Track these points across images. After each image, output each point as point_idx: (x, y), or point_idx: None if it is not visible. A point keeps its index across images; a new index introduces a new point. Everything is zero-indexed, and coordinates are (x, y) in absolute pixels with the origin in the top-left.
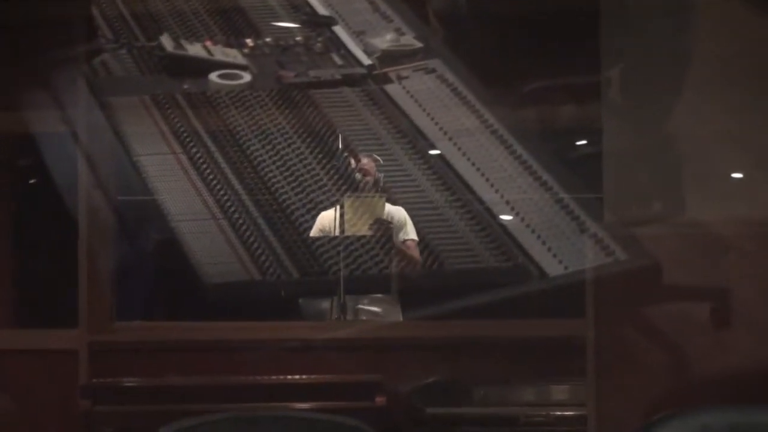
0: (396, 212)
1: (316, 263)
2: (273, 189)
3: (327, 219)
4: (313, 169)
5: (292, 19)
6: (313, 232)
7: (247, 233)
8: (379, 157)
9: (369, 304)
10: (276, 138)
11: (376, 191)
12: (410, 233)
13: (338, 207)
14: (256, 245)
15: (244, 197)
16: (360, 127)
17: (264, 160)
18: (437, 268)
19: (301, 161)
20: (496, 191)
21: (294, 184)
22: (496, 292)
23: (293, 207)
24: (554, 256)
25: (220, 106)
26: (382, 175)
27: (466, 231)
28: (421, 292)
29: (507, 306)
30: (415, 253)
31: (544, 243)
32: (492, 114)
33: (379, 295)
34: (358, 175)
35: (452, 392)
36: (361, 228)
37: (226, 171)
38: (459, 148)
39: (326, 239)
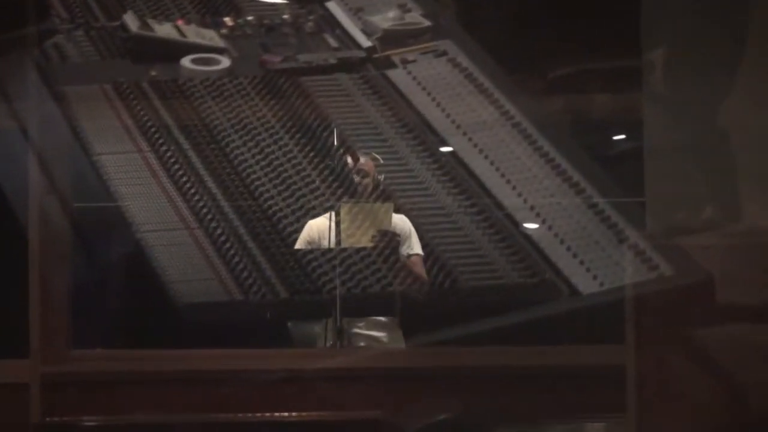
0: (398, 222)
1: (308, 280)
2: (257, 193)
3: (316, 228)
4: (304, 170)
5: None
6: (300, 244)
7: (227, 245)
8: (378, 156)
9: (367, 328)
10: (260, 134)
11: (376, 195)
12: (415, 247)
13: (332, 214)
14: (236, 259)
15: (223, 203)
16: (358, 120)
17: (246, 160)
18: (449, 285)
19: (289, 161)
20: (519, 195)
21: (281, 188)
22: (518, 313)
23: (281, 214)
24: (588, 270)
25: (194, 97)
26: (382, 176)
27: (484, 242)
28: (430, 314)
29: (532, 330)
30: (421, 269)
31: (575, 255)
32: (513, 104)
33: (380, 318)
34: (356, 177)
35: None
36: (361, 239)
37: (201, 172)
38: (475, 145)
39: (319, 252)
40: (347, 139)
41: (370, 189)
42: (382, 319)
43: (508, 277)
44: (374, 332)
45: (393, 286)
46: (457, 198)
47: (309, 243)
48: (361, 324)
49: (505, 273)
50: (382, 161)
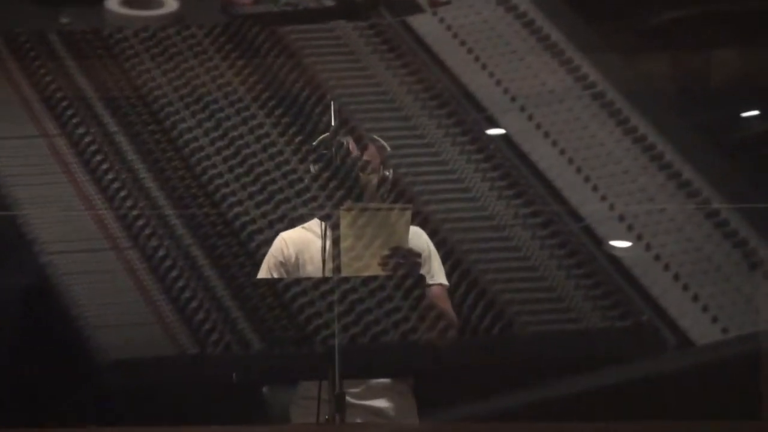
0: (412, 238)
1: (293, 325)
2: (218, 197)
3: (293, 246)
4: (287, 162)
5: None
6: (265, 270)
7: (174, 274)
8: (385, 143)
9: (366, 396)
10: (223, 110)
11: (381, 198)
12: (437, 274)
13: (324, 226)
14: (188, 294)
15: (169, 212)
16: (366, 89)
17: (202, 149)
18: (499, 331)
19: (265, 150)
20: (603, 198)
21: (254, 189)
22: (601, 373)
23: (253, 228)
24: (704, 310)
25: (124, 55)
26: (389, 171)
27: (551, 268)
28: (464, 374)
29: (619, 398)
30: (447, 305)
31: (686, 288)
32: (595, 66)
33: (385, 381)
34: (362, 175)
35: None
36: (370, 263)
37: (136, 166)
38: (537, 125)
39: (309, 284)
40: (350, 118)
41: (373, 188)
42: (390, 383)
43: (586, 320)
44: (377, 402)
45: (418, 334)
46: (511, 203)
47: (282, 266)
48: (356, 390)
49: (583, 314)
50: (389, 150)
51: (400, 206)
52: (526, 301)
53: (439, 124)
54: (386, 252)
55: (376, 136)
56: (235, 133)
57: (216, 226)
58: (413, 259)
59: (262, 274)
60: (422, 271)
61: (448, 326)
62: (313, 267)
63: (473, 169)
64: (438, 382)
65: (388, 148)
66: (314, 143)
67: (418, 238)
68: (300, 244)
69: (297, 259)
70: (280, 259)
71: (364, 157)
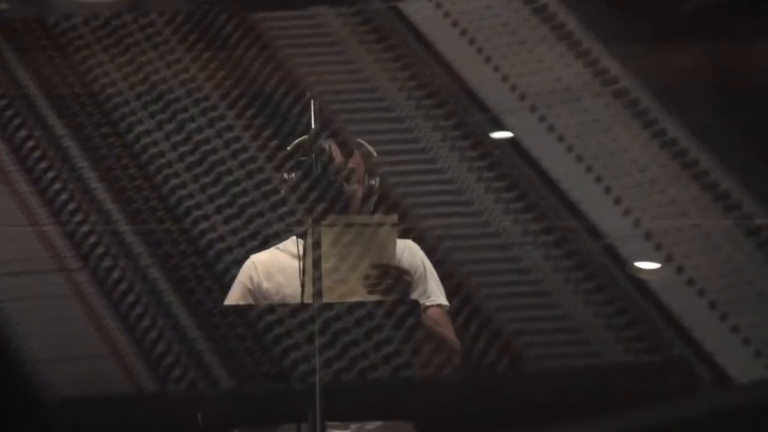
0: (405, 253)
1: (267, 359)
2: (180, 209)
3: (263, 270)
4: (260, 171)
5: None
6: (233, 297)
7: (130, 298)
8: (371, 148)
9: None
10: (186, 110)
11: (367, 211)
12: (434, 294)
13: (299, 244)
14: (147, 323)
15: (124, 227)
16: (351, 85)
17: (163, 154)
18: (507, 365)
19: (235, 156)
20: (626, 213)
21: (221, 201)
22: (626, 414)
23: (221, 246)
24: (745, 343)
25: (72, 46)
26: (376, 180)
27: (566, 293)
28: (467, 413)
29: None
30: (448, 329)
31: (724, 317)
32: (617, 59)
33: (382, 425)
34: (346, 185)
35: None
36: (356, 287)
37: (86, 175)
38: (550, 127)
39: (286, 311)
40: (333, 119)
41: (357, 201)
42: (385, 425)
43: (607, 354)
44: None
45: (413, 369)
46: (519, 218)
47: (250, 295)
48: None
49: (603, 347)
50: (375, 155)
51: (390, 220)
52: (538, 332)
53: (435, 126)
54: (373, 272)
55: (362, 141)
56: (201, 137)
57: (179, 245)
58: (403, 277)
59: (229, 301)
60: (417, 292)
61: (449, 355)
62: (291, 291)
63: (476, 178)
64: (436, 425)
65: (375, 154)
66: (289, 147)
67: (411, 253)
68: (272, 267)
69: (268, 285)
70: (249, 286)
71: (349, 165)
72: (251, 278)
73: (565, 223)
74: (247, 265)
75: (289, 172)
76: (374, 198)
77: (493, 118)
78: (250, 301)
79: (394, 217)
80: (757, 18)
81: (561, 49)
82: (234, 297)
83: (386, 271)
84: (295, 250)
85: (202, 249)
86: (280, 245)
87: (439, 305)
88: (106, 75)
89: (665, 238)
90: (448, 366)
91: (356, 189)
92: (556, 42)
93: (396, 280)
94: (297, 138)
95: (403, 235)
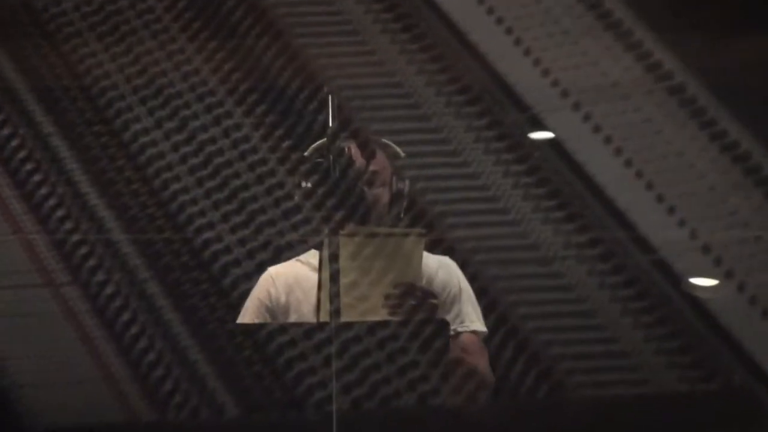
0: (437, 270)
1: (279, 385)
2: (182, 217)
3: (283, 285)
4: (271, 173)
5: None
6: (248, 314)
7: (125, 316)
8: (398, 148)
9: None
10: (189, 104)
11: (394, 220)
12: (469, 318)
13: (320, 254)
14: (144, 344)
15: (118, 236)
16: (373, 79)
17: (163, 155)
18: (546, 395)
19: (243, 157)
20: (681, 223)
21: (228, 208)
22: None
23: (227, 258)
24: None
25: (62, 34)
26: (405, 183)
27: (613, 314)
28: None
29: None
30: (481, 359)
31: None
32: (672, 51)
33: None
34: (367, 190)
35: None
36: (379, 304)
37: (77, 178)
38: (595, 127)
39: (300, 331)
40: (353, 116)
41: (382, 207)
42: None
43: (659, 382)
44: None
45: (441, 397)
46: (561, 229)
47: (269, 313)
48: None
49: (655, 373)
50: (403, 155)
51: (416, 231)
52: (581, 357)
53: (468, 125)
54: (394, 291)
55: (386, 140)
56: (205, 136)
57: (180, 256)
58: (428, 300)
59: (247, 317)
60: (450, 316)
61: (480, 387)
62: (309, 308)
63: (512, 184)
64: None
65: (402, 155)
66: (306, 152)
67: (447, 272)
68: (294, 281)
69: (288, 302)
70: (267, 302)
71: (371, 167)
72: (269, 294)
73: (612, 234)
74: (264, 278)
75: (305, 177)
76: (403, 203)
77: (533, 116)
78: (268, 320)
79: (422, 230)
80: None
81: (608, 41)
82: (248, 315)
83: (409, 290)
84: (316, 262)
85: (206, 261)
86: (301, 257)
87: (474, 331)
88: (100, 66)
89: (725, 251)
90: (478, 398)
91: (380, 194)
92: (603, 32)
93: (419, 303)
94: (313, 139)
95: (432, 247)
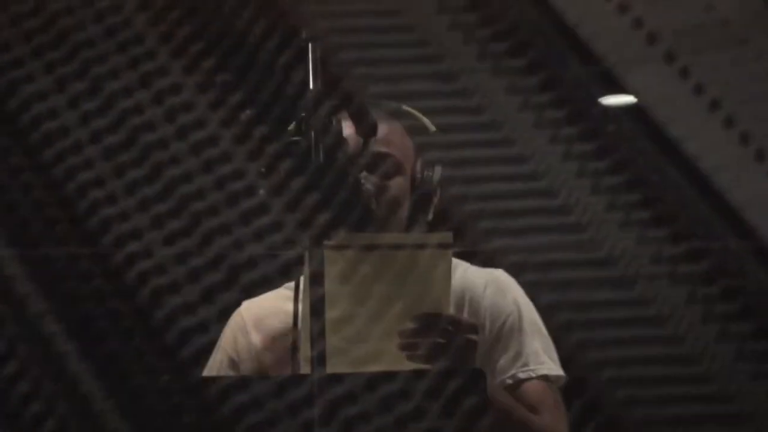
0: (484, 286)
1: None
2: (92, 221)
3: (254, 320)
4: (225, 157)
5: None
6: (215, 366)
7: (11, 366)
8: (425, 119)
9: None
10: (102, 55)
11: (415, 220)
12: (535, 357)
13: (298, 276)
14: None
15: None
16: (372, 19)
17: (67, 129)
18: None
19: (181, 133)
20: None
21: (161, 208)
22: None
23: (159, 281)
24: None
25: None
26: (435, 171)
27: (723, 357)
28: None
29: None
30: (556, 419)
31: None
32: None
33: None
34: (363, 179)
35: None
36: (384, 347)
37: None
38: (697, 87)
39: (268, 385)
40: (343, 73)
41: (393, 207)
42: None
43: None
44: None
45: None
46: (646, 235)
47: (232, 369)
48: None
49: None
50: (433, 129)
51: (441, 238)
52: (680, 420)
53: (510, 85)
54: (411, 324)
55: (406, 106)
56: (128, 104)
57: (91, 278)
58: (463, 335)
59: (212, 369)
60: (507, 356)
61: None
62: (281, 354)
63: (575, 170)
64: None
65: (432, 128)
66: (290, 127)
67: (500, 291)
68: (268, 312)
69: (257, 338)
70: (233, 355)
71: (376, 148)
72: (235, 341)
73: (721, 243)
74: (233, 319)
75: (275, 163)
76: (432, 202)
77: (606, 71)
78: (243, 372)
79: (448, 235)
80: None
81: None
82: (211, 370)
83: (433, 323)
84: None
85: (129, 286)
86: (290, 284)
87: (545, 377)
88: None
89: None
90: None
91: (389, 187)
92: None
93: (449, 340)
94: (287, 106)
95: (465, 260)
